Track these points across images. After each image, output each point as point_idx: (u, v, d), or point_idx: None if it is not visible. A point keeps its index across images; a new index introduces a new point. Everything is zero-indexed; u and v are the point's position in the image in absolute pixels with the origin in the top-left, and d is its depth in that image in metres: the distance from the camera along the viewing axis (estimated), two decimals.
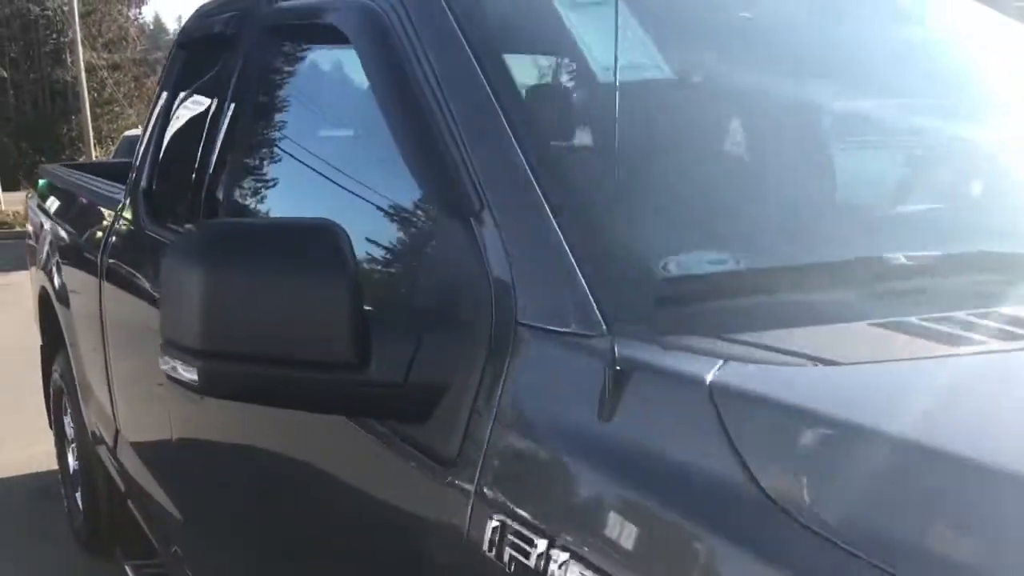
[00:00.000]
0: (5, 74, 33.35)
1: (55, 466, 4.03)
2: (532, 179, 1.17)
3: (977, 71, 1.71)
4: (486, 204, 1.19)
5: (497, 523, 1.02)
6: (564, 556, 0.93)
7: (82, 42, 34.98)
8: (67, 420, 3.73)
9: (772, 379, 0.92)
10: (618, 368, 0.95)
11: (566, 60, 1.51)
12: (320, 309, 1.12)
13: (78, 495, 3.63)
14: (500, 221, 1.16)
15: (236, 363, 1.14)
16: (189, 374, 1.16)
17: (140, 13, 45.57)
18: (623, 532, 0.91)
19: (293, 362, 1.14)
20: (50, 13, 34.97)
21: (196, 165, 2.13)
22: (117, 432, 2.77)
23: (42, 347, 4.08)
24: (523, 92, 1.33)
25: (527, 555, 0.97)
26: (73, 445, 3.67)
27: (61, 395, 3.78)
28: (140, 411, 2.53)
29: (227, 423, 1.88)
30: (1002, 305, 1.06)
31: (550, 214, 1.14)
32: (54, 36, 35.27)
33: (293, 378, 1.15)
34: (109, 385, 2.77)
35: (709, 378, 0.90)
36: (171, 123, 2.54)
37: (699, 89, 1.46)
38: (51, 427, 4.10)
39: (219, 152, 2.05)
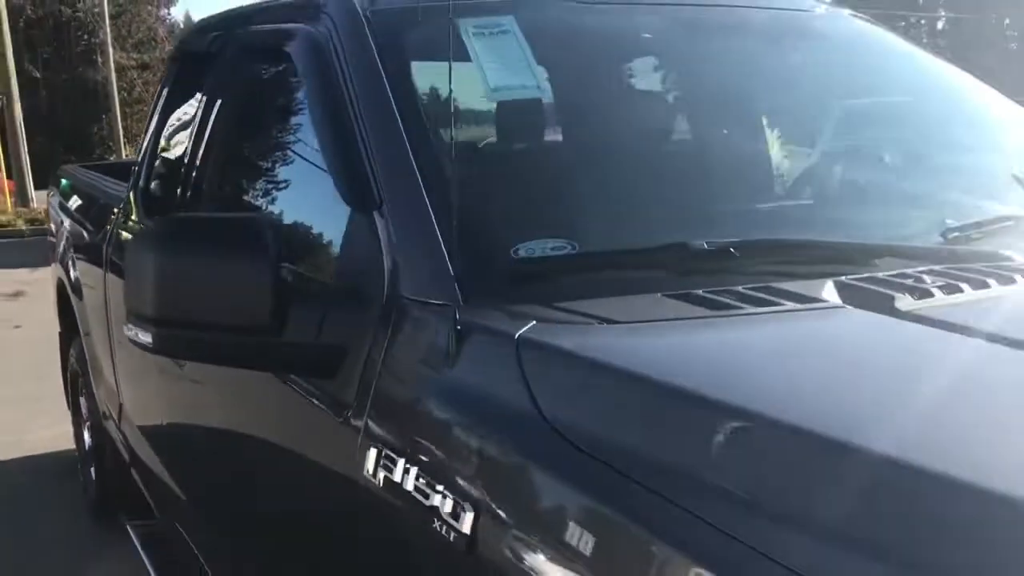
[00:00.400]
0: (38, 74, 34.09)
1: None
2: (419, 182, 1.47)
3: (819, 85, 1.99)
4: (384, 201, 1.49)
5: (375, 451, 1.32)
6: (415, 469, 1.22)
7: (112, 43, 35.59)
8: (82, 401, 4.07)
9: (563, 333, 1.21)
10: (459, 328, 1.24)
11: (461, 84, 1.81)
12: (246, 285, 1.42)
13: (92, 470, 3.97)
14: (392, 215, 1.46)
15: (182, 329, 1.44)
16: (146, 338, 1.46)
17: (169, 13, 46.29)
18: (451, 450, 1.20)
19: (227, 327, 1.44)
20: (81, 15, 35.69)
21: (183, 166, 2.45)
22: (120, 406, 3.10)
23: (60, 334, 4.43)
24: (422, 111, 1.62)
25: (392, 472, 1.27)
26: (88, 424, 4.00)
27: (77, 378, 4.12)
28: (138, 388, 2.86)
29: (203, 397, 2.20)
30: (777, 282, 1.34)
31: (429, 210, 1.43)
32: (85, 37, 35.96)
33: (226, 340, 1.45)
34: (114, 366, 3.10)
35: (518, 334, 1.19)
36: (165, 127, 2.86)
37: (558, 108, 1.76)
38: (69, 408, 4.45)
39: (200, 155, 2.36)
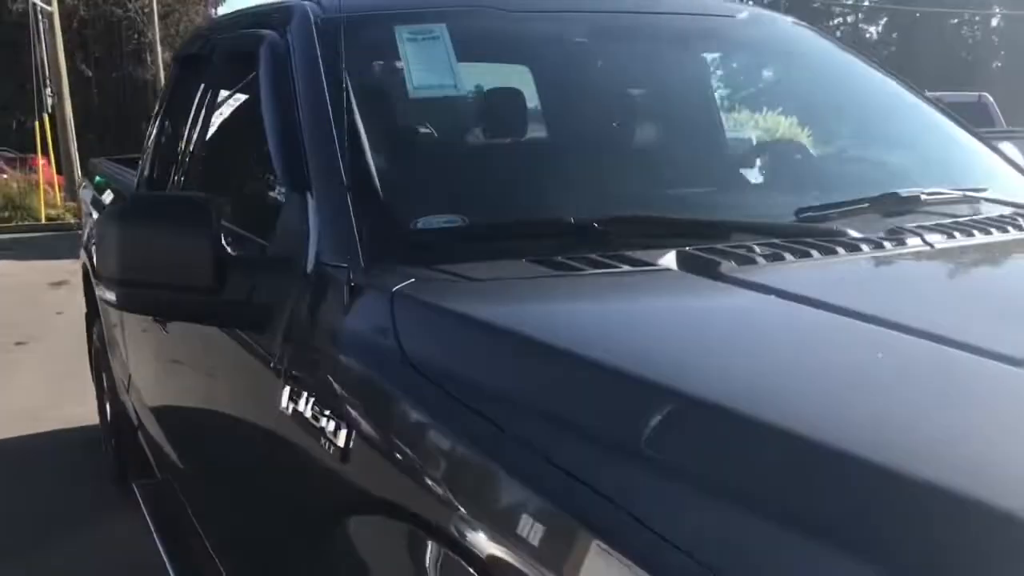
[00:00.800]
0: (89, 73, 35.03)
1: None
2: (340, 168, 1.73)
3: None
4: (313, 184, 1.76)
5: (289, 387, 1.59)
6: (312, 399, 1.49)
7: (161, 42, 36.36)
8: (104, 376, 4.41)
9: (429, 288, 1.47)
10: (352, 286, 1.51)
11: (391, 86, 2.09)
12: (191, 252, 1.69)
13: (112, 439, 4.31)
14: (318, 196, 1.73)
15: (141, 288, 1.72)
16: (111, 296, 1.75)
17: (215, 13, 47.00)
18: (337, 382, 1.47)
19: (176, 287, 1.72)
20: (132, 15, 36.55)
21: (176, 157, 2.75)
22: (129, 376, 3.42)
23: (86, 315, 4.79)
24: (353, 107, 1.88)
25: (298, 403, 1.54)
26: (108, 396, 4.34)
27: (100, 354, 4.47)
28: (139, 358, 3.17)
29: (183, 363, 2.50)
30: (631, 251, 1.58)
31: (347, 192, 1.69)
32: (135, 37, 36.86)
33: (176, 299, 1.73)
34: (124, 340, 3.43)
35: (393, 288, 1.45)
36: (165, 123, 3.18)
37: (467, 104, 2.03)
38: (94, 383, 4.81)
39: (189, 146, 2.67)
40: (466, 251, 1.63)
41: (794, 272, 1.52)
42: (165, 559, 2.40)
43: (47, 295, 9.61)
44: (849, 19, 46.78)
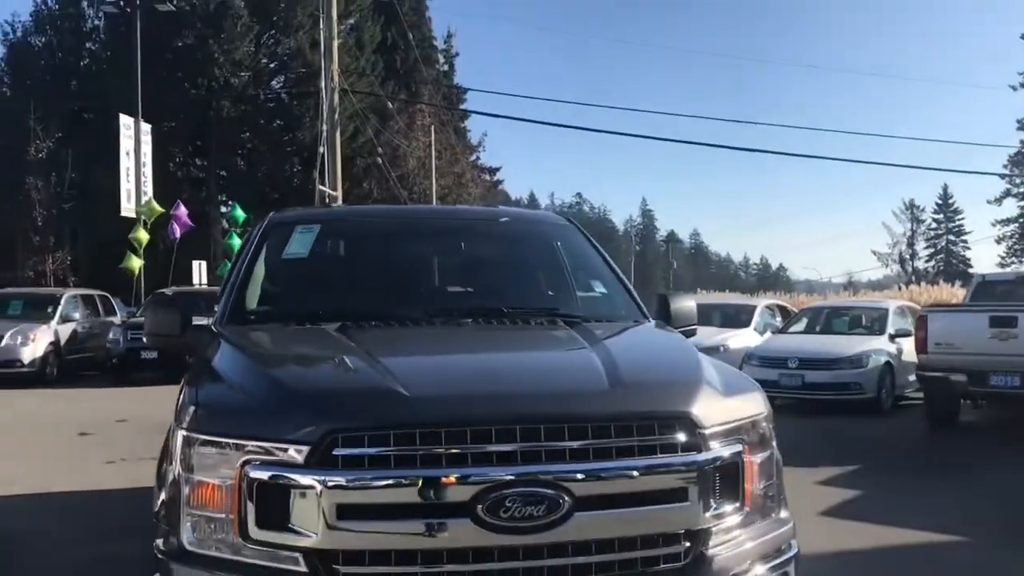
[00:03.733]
0: None
1: None
2: (232, 288, 4.09)
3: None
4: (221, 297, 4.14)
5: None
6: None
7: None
8: None
9: (228, 329, 3.74)
10: (213, 330, 3.82)
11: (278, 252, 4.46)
12: (171, 320, 4.08)
13: None
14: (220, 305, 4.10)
15: (161, 338, 4.12)
16: (151, 345, 4.18)
17: (498, 206, 52.66)
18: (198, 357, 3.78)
19: (166, 335, 4.10)
20: (416, 196, 42.41)
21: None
22: None
23: None
24: (258, 261, 4.27)
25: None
26: None
27: None
28: None
29: None
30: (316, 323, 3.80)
31: (230, 300, 4.04)
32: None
33: (166, 341, 4.12)
34: None
35: (216, 329, 3.75)
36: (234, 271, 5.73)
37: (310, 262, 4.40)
38: None
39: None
40: (269, 320, 3.91)
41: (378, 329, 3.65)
42: None
43: None
44: None
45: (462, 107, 57.93)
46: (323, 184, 23.81)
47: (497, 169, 64.29)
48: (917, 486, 8.22)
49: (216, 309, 4.12)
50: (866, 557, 5.94)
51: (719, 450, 2.88)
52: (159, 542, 2.86)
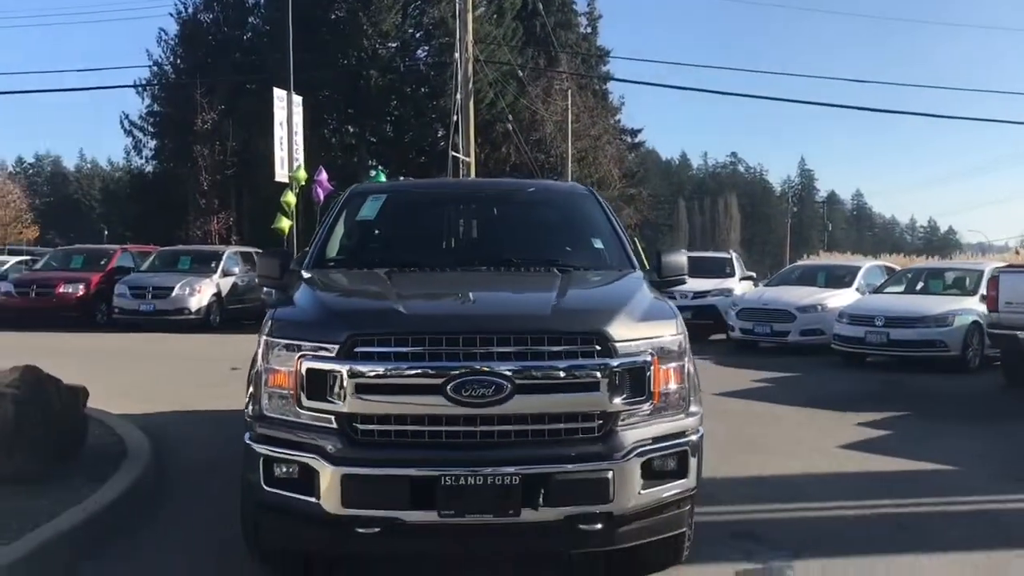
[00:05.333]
0: None
1: None
2: (320, 241, 5.51)
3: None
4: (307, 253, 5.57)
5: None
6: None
7: (576, 181, 42.46)
8: None
9: (311, 270, 5.14)
10: (293, 270, 5.25)
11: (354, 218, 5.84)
12: (273, 266, 5.54)
13: None
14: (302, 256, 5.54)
15: (267, 279, 5.56)
16: (262, 285, 5.67)
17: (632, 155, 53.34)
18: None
19: (276, 278, 5.58)
20: (554, 159, 43.68)
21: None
22: None
23: None
24: (342, 223, 5.68)
25: None
26: None
27: None
28: None
29: None
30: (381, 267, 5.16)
31: (315, 249, 5.46)
32: (554, 177, 43.73)
33: (273, 281, 5.59)
34: None
35: (302, 271, 5.17)
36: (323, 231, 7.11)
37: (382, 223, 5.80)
38: None
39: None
40: (336, 265, 5.30)
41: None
42: None
43: None
44: None
45: (604, 70, 58.55)
46: (456, 151, 25.38)
47: (639, 131, 64.70)
48: (947, 431, 8.97)
49: (305, 258, 5.54)
50: (855, 479, 6.91)
51: (628, 359, 4.05)
52: (248, 410, 4.28)
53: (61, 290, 20.36)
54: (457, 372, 3.87)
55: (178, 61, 43.69)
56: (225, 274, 21.16)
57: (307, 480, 3.94)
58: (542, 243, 5.77)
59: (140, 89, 43.15)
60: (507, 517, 3.87)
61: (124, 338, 17.83)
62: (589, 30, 57.12)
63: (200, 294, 20.00)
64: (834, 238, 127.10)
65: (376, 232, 5.92)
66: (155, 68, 44.14)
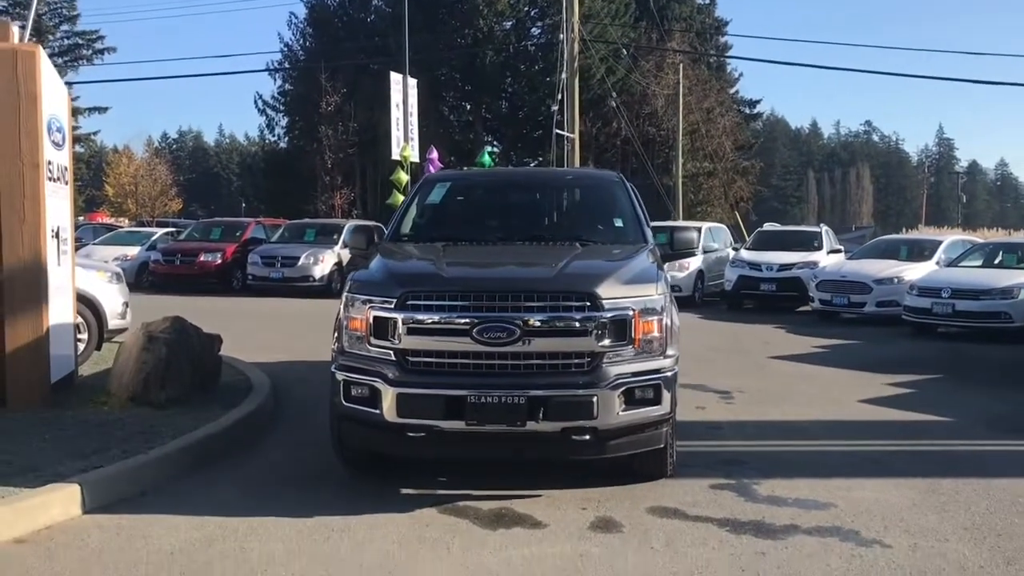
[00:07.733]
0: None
1: None
2: (399, 220, 6.97)
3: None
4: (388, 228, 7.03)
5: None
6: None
7: (685, 155, 43.25)
8: None
9: (388, 243, 6.59)
10: (376, 243, 6.72)
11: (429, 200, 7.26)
12: (360, 240, 7.02)
13: None
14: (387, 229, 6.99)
15: (356, 250, 7.12)
16: (353, 255, 7.19)
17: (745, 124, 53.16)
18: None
19: (363, 249, 7.05)
20: (664, 133, 44.34)
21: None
22: None
23: None
24: (421, 199, 7.14)
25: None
26: None
27: None
28: None
29: None
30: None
31: (398, 233, 6.92)
32: (665, 151, 44.50)
33: (362, 251, 7.07)
34: None
35: (384, 244, 6.63)
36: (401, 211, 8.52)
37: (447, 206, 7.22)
38: None
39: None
40: (410, 240, 6.75)
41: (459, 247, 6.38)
42: None
43: None
44: None
45: (722, 41, 58.43)
46: (560, 129, 26.64)
47: (757, 102, 64.35)
48: (972, 393, 9.76)
49: (386, 233, 7.01)
50: (859, 426, 7.96)
51: (613, 313, 5.34)
52: (333, 347, 5.78)
53: (202, 259, 23.03)
54: (480, 320, 5.25)
55: (308, 43, 46.28)
56: (345, 245, 23.12)
57: (373, 397, 5.41)
58: (569, 222, 7.12)
59: (271, 72, 46.01)
60: (516, 427, 5.25)
61: (256, 302, 20.11)
62: (707, 1, 57.15)
63: (323, 263, 22.04)
64: (974, 210, 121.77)
65: (439, 213, 7.34)
66: (285, 51, 46.90)
